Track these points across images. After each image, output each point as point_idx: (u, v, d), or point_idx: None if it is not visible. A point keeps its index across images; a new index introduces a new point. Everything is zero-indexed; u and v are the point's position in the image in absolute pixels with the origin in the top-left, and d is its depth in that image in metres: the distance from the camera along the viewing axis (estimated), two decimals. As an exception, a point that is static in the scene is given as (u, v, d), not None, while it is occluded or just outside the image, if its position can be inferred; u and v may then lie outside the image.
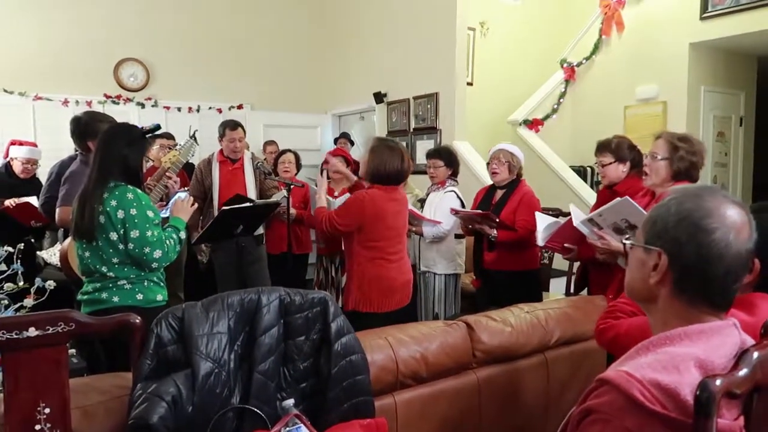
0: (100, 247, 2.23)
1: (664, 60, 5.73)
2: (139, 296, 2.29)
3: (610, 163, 2.84)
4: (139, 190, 2.29)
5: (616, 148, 2.84)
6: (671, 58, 5.66)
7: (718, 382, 0.86)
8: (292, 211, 3.93)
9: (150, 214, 2.26)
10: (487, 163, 3.54)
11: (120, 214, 2.20)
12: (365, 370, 1.74)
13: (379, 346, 1.91)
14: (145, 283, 2.31)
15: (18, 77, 5.58)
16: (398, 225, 2.98)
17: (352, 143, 6.18)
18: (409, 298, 3.06)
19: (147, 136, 2.42)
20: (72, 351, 2.56)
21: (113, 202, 2.20)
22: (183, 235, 2.42)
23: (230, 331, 1.62)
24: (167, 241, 2.29)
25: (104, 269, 2.25)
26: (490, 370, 2.15)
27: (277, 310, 1.68)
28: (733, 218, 0.97)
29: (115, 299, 2.25)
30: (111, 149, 2.28)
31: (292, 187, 3.82)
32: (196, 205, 2.61)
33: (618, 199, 2.33)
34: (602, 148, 2.90)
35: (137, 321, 1.54)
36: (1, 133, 5.43)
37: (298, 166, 4.67)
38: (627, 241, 1.12)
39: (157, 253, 2.24)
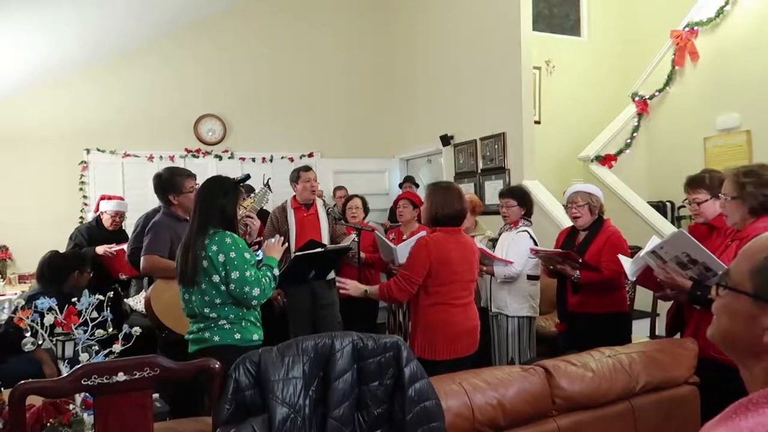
0: (204, 290, 2.39)
1: (746, 87, 5.46)
2: (237, 335, 2.42)
3: (707, 200, 2.60)
4: (235, 235, 2.46)
5: (710, 183, 2.61)
6: (753, 85, 5.39)
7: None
8: (362, 254, 3.97)
9: (247, 255, 2.42)
10: (565, 206, 3.40)
11: (221, 257, 2.36)
12: (440, 417, 1.70)
13: (454, 392, 1.87)
14: (243, 323, 2.45)
15: (109, 137, 6.07)
16: (463, 270, 2.88)
17: (417, 186, 6.23)
18: (476, 345, 2.97)
19: (239, 185, 2.63)
20: (155, 395, 2.66)
21: (214, 247, 2.37)
22: (276, 272, 2.55)
23: (305, 376, 1.63)
24: (263, 279, 2.44)
25: (207, 311, 2.41)
26: (571, 417, 2.05)
27: (351, 355, 1.69)
28: None
29: (216, 338, 2.40)
30: (209, 200, 2.47)
31: (361, 231, 3.87)
32: (287, 244, 2.73)
33: (674, 231, 2.22)
34: (695, 184, 2.66)
35: (216, 366, 1.59)
36: (95, 188, 5.89)
37: (366, 210, 4.74)
38: (721, 287, 0.96)
39: (256, 291, 2.38)
